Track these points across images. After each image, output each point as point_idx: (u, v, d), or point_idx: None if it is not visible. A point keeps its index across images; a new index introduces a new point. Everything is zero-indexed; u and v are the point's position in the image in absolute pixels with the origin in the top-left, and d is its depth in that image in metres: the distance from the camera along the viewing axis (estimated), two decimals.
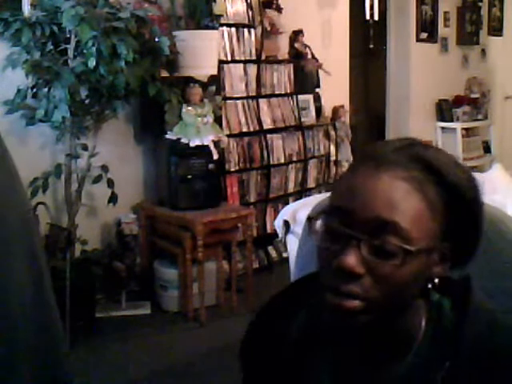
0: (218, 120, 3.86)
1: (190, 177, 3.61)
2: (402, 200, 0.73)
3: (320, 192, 4.65)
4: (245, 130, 4.26)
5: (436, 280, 0.78)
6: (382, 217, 0.73)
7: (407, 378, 0.79)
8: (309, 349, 0.86)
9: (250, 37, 4.29)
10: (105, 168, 3.56)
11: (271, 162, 4.40)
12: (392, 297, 0.74)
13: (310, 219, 0.79)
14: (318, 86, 4.90)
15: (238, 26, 4.21)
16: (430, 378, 0.78)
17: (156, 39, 3.36)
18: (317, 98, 4.87)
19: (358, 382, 0.82)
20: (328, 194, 0.82)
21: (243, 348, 0.93)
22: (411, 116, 6.31)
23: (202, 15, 3.85)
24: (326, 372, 0.84)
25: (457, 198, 0.76)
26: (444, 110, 6.65)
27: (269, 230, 4.40)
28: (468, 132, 6.69)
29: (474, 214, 0.79)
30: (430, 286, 0.78)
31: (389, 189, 0.74)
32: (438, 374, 0.77)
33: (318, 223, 0.78)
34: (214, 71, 3.83)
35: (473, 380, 0.75)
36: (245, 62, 4.27)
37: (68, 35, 3.15)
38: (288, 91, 4.61)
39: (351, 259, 0.73)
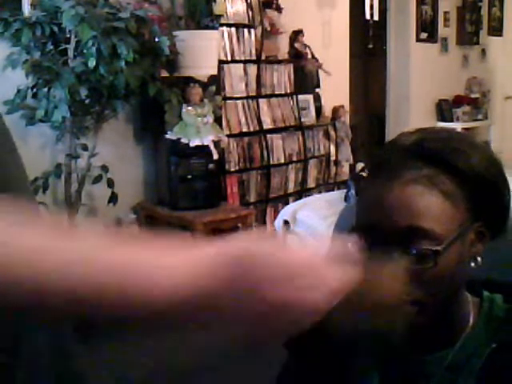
0: (218, 120, 3.86)
1: (189, 177, 3.62)
2: (418, 203, 0.74)
3: (320, 192, 4.64)
4: (245, 129, 4.25)
5: (479, 258, 0.79)
6: (404, 225, 0.73)
7: (454, 363, 0.80)
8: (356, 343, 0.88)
9: (250, 37, 4.28)
10: (105, 168, 3.56)
11: (271, 162, 4.40)
12: (442, 291, 0.76)
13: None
14: (318, 86, 4.90)
15: (238, 26, 4.21)
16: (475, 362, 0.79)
17: (156, 39, 3.36)
18: (317, 98, 4.87)
19: (404, 368, 0.84)
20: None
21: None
22: (411, 116, 6.30)
23: (202, 15, 3.85)
24: (373, 362, 0.86)
25: (474, 179, 0.76)
26: (444, 110, 6.65)
27: (269, 230, 4.39)
28: (468, 132, 6.69)
29: (497, 190, 0.79)
30: (472, 264, 0.79)
31: (402, 196, 0.74)
32: (482, 357, 0.78)
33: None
34: (214, 71, 3.83)
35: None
36: (245, 61, 4.27)
37: (68, 35, 3.15)
38: (288, 91, 4.61)
39: None
